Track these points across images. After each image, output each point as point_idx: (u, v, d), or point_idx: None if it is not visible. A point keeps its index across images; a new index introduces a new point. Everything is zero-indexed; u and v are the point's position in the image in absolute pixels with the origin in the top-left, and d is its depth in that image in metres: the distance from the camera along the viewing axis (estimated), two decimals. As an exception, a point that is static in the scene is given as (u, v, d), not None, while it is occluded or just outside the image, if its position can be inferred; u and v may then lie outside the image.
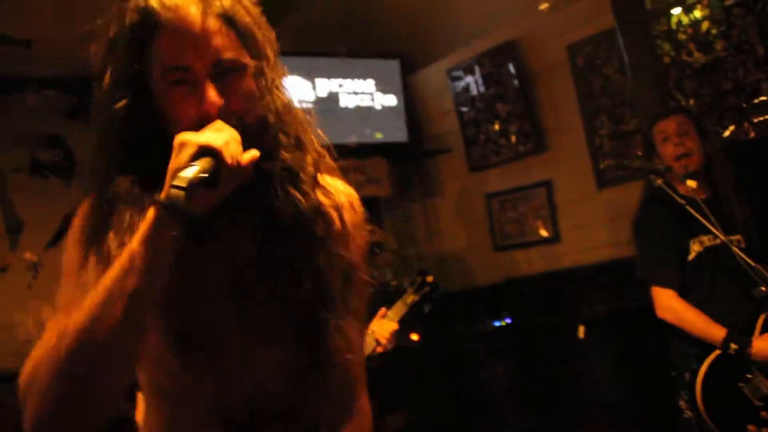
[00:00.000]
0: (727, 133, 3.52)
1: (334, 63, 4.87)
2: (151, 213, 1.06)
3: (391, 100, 5.08)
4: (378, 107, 5.03)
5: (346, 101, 4.89)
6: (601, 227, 4.43)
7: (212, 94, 1.14)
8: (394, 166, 5.19)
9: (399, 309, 3.00)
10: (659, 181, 2.59)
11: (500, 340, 4.56)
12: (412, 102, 5.29)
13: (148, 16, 1.15)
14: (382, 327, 2.82)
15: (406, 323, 4.67)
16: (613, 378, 3.90)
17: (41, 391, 1.03)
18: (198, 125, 1.13)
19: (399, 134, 5.10)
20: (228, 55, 1.17)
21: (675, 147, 2.76)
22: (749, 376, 2.51)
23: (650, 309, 3.04)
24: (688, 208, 2.51)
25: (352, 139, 4.80)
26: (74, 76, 4.34)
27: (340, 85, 4.88)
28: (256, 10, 1.25)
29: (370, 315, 2.98)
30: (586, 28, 4.31)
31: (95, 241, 1.19)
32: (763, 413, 2.50)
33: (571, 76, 4.44)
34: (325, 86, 4.81)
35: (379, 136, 5.02)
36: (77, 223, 1.27)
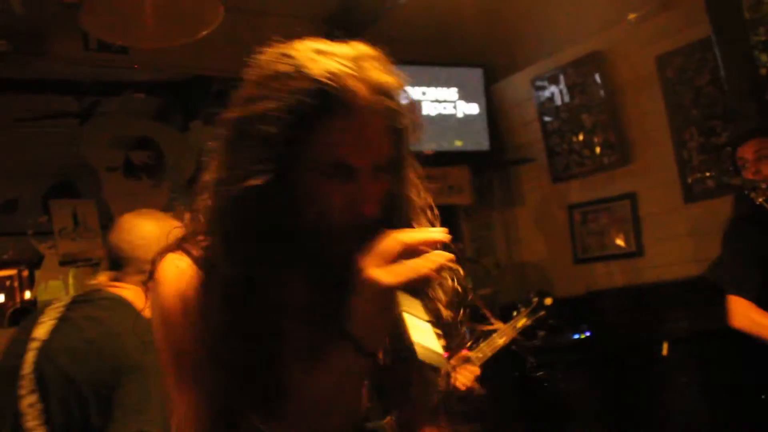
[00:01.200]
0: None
1: (417, 71, 4.90)
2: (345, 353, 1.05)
3: (473, 108, 5.08)
4: (460, 115, 5.04)
5: (429, 109, 4.91)
6: (687, 242, 4.30)
7: (375, 195, 1.10)
8: (476, 174, 5.19)
9: (507, 334, 2.69)
10: (761, 200, 2.51)
11: (579, 354, 4.48)
12: (495, 111, 5.27)
13: (327, 95, 1.06)
14: (464, 373, 2.52)
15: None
16: (697, 399, 3.77)
17: None
18: (348, 220, 1.09)
19: (481, 143, 5.09)
20: (389, 153, 1.13)
21: (753, 175, 2.69)
22: None
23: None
24: None
25: (434, 146, 4.83)
26: (165, 81, 4.54)
27: (423, 93, 4.91)
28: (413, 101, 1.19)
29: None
30: (676, 39, 4.21)
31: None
32: None
33: (659, 88, 4.34)
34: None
35: (459, 144, 5.03)
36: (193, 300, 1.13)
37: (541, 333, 2.62)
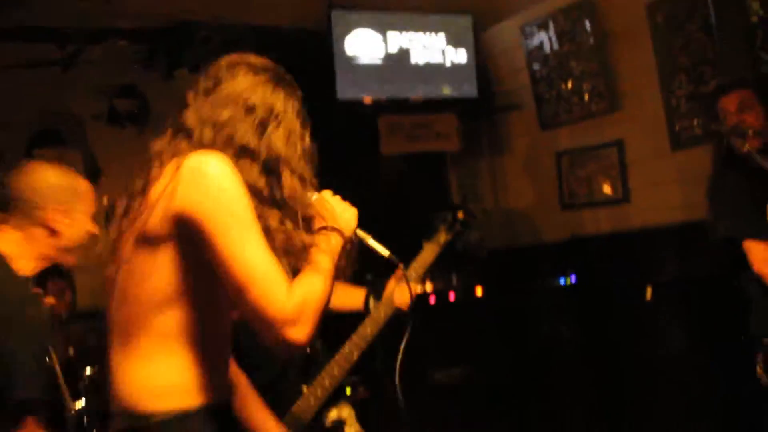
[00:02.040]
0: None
1: (405, 17, 4.85)
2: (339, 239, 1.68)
3: (461, 55, 5.03)
4: (448, 63, 5.00)
5: (417, 56, 4.87)
6: (674, 189, 4.34)
7: None
8: (464, 122, 5.17)
9: (432, 250, 2.77)
10: (747, 147, 2.51)
11: (565, 298, 4.56)
12: (484, 58, 5.23)
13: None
14: (402, 294, 2.58)
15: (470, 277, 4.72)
16: (679, 343, 3.87)
17: (311, 320, 1.48)
18: None
19: (469, 90, 5.06)
20: None
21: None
22: None
23: (722, 275, 3.01)
24: None
25: (422, 94, 4.81)
26: (149, 28, 4.45)
27: (411, 40, 4.86)
28: None
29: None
30: (668, -15, 4.17)
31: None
32: None
33: (649, 35, 4.32)
34: (396, 40, 4.80)
35: (447, 92, 5.00)
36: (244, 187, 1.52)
37: (460, 245, 2.76)
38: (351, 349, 2.55)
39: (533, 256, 5.05)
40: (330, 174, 1.79)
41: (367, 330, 2.56)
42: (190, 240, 1.48)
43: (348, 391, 2.60)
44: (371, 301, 2.70)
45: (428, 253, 2.74)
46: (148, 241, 1.50)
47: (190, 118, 1.61)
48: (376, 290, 2.72)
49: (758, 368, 2.63)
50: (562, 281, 4.61)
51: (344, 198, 1.78)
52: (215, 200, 1.45)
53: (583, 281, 4.57)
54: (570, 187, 5.00)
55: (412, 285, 2.66)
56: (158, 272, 1.50)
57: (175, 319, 1.51)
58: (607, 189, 4.77)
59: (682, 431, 3.81)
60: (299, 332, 1.45)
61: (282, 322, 1.43)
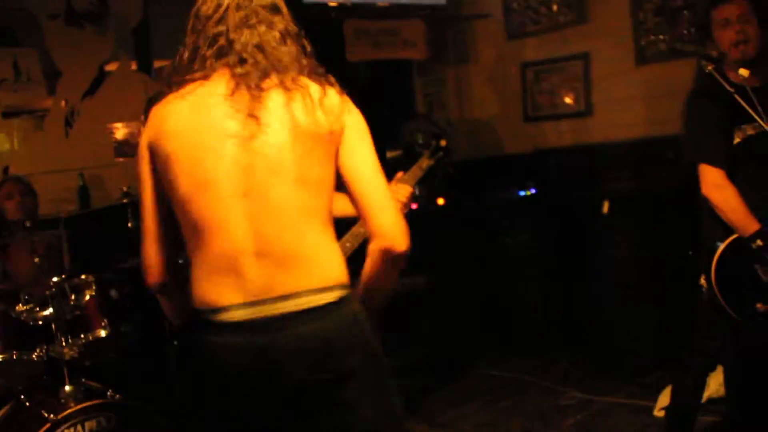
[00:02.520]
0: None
1: None
2: None
3: (430, -40, 4.92)
4: (417, -32, 4.89)
5: (385, -40, 4.75)
6: (637, 104, 4.40)
7: None
8: (431, 29, 5.10)
9: (414, 173, 2.93)
10: (710, 68, 2.52)
11: (525, 209, 4.64)
12: (452, -36, 5.12)
13: None
14: (399, 191, 2.81)
15: (434, 188, 4.77)
16: (633, 254, 4.00)
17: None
18: None
19: (437, -3, 4.97)
20: None
21: (736, 34, 2.69)
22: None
23: (679, 191, 3.09)
24: (736, 96, 2.47)
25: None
26: None
27: (380, -57, 4.72)
28: None
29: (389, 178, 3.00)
30: None
31: None
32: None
33: (620, -55, 4.27)
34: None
35: (415, -2, 4.91)
36: None
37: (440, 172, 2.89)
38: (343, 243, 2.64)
39: (496, 168, 5.10)
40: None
41: (360, 230, 2.65)
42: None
43: None
44: None
45: (410, 176, 2.81)
46: (323, 139, 1.59)
47: None
48: None
49: (701, 279, 2.74)
50: (521, 193, 4.69)
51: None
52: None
53: (542, 193, 4.65)
54: (534, 99, 5.02)
55: (404, 186, 2.75)
56: (330, 164, 1.61)
57: (330, 204, 1.63)
58: (570, 102, 4.81)
59: (629, 325, 4.00)
60: None
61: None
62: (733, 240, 2.62)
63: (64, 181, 4.30)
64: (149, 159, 1.60)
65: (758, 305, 2.60)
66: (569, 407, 3.68)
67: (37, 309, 2.75)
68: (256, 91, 1.55)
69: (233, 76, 1.57)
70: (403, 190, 2.71)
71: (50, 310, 2.74)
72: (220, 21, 1.61)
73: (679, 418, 2.96)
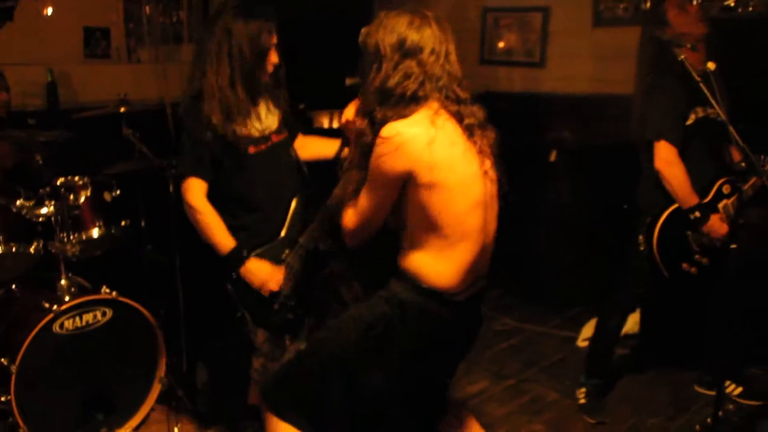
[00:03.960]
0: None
1: None
2: None
3: None
4: None
5: None
6: (588, 62, 4.74)
7: None
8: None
9: None
10: (683, 56, 2.78)
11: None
12: None
13: None
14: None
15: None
16: (571, 201, 4.40)
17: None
18: None
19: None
20: None
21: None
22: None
23: (619, 148, 3.45)
24: (702, 86, 2.73)
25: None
26: None
27: None
28: None
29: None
30: None
31: None
32: (697, 256, 3.04)
33: None
34: None
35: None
36: None
37: None
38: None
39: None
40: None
41: None
42: None
43: None
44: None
45: None
46: None
47: None
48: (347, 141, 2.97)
49: (640, 238, 3.14)
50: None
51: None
52: None
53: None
54: (491, 43, 5.29)
55: None
56: None
57: None
58: (526, 52, 5.10)
59: (559, 263, 4.46)
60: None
61: None
62: (674, 209, 3.03)
63: (32, 75, 4.30)
64: (400, 180, 1.94)
65: (684, 265, 3.06)
66: (502, 333, 4.12)
67: (37, 206, 2.88)
68: (467, 128, 1.99)
69: (450, 112, 1.95)
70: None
71: (51, 207, 2.87)
72: (443, 59, 1.97)
73: (600, 350, 3.41)
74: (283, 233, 2.64)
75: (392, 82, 1.90)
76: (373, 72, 1.94)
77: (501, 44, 5.25)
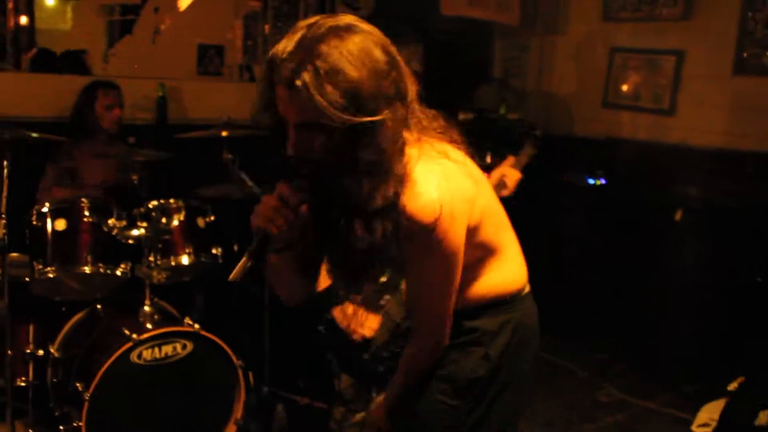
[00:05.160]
0: None
1: None
2: None
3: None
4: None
5: None
6: (724, 113, 4.33)
7: (293, 141, 1.45)
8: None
9: (521, 160, 3.13)
10: None
11: (592, 198, 4.62)
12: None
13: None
14: (512, 174, 3.02)
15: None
16: (697, 265, 4.00)
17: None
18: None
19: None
20: (298, 115, 1.40)
21: None
22: None
23: (754, 210, 3.08)
24: None
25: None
26: None
27: None
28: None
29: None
30: None
31: None
32: None
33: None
34: None
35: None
36: None
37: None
38: None
39: (564, 148, 5.05)
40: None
41: None
42: None
43: None
44: None
45: (518, 162, 3.05)
46: None
47: None
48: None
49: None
50: (590, 180, 4.66)
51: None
52: None
53: (613, 185, 4.62)
54: (617, 86, 4.95)
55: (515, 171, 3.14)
56: None
57: None
58: (654, 97, 4.73)
59: (678, 332, 4.05)
60: None
61: None
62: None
63: (144, 89, 4.29)
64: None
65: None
66: (606, 405, 3.75)
67: (128, 227, 2.79)
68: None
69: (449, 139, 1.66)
70: (514, 174, 2.87)
71: (142, 230, 2.77)
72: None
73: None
74: (383, 278, 2.44)
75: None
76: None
77: (627, 87, 4.90)
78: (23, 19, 5.82)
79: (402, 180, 1.48)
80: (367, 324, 2.41)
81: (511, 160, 3.06)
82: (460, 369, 1.74)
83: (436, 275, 1.61)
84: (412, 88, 1.52)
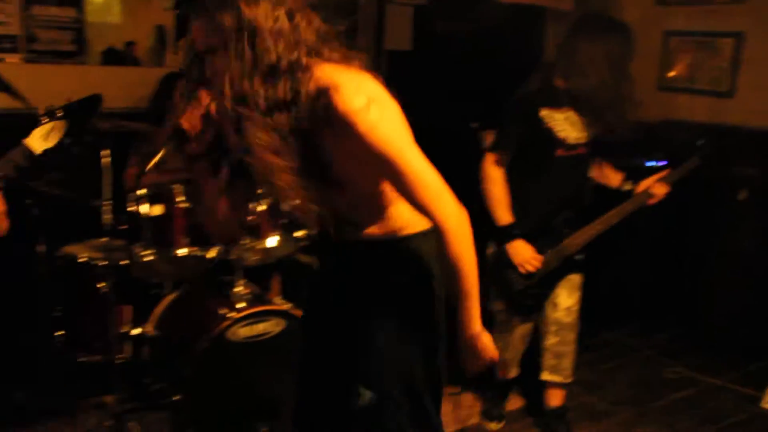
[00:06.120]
0: None
1: None
2: None
3: None
4: None
5: None
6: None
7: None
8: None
9: (680, 172, 3.34)
10: None
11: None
12: None
13: None
14: (660, 187, 3.22)
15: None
16: (762, 243, 4.03)
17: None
18: None
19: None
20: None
21: None
22: None
23: None
24: None
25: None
26: None
27: None
28: None
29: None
30: None
31: None
32: None
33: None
34: None
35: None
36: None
37: None
38: (595, 226, 3.08)
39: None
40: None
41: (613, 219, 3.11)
42: None
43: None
44: (627, 183, 3.26)
45: (675, 174, 3.25)
46: None
47: None
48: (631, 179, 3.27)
49: None
50: (648, 163, 4.68)
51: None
52: None
53: (671, 166, 4.64)
54: (671, 69, 4.97)
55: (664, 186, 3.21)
56: None
57: None
58: (712, 80, 4.75)
59: (742, 310, 4.10)
60: None
61: None
62: None
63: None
64: None
65: None
66: (673, 382, 3.82)
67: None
68: None
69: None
70: (662, 188, 3.20)
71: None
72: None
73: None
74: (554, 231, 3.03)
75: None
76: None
77: (683, 70, 4.92)
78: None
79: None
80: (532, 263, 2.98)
81: (666, 172, 3.25)
82: None
83: (414, 163, 1.65)
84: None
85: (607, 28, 2.98)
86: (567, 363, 3.12)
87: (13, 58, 3.61)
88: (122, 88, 3.85)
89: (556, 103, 2.94)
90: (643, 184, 3.19)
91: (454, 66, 4.91)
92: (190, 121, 1.81)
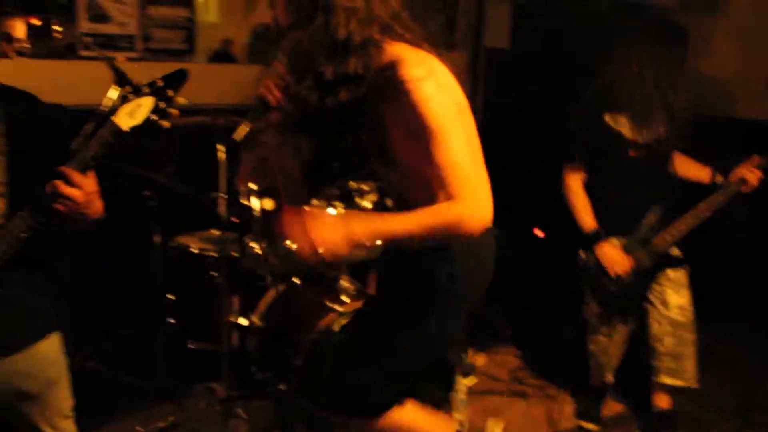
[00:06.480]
0: None
1: None
2: None
3: None
4: None
5: None
6: None
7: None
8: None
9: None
10: None
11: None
12: None
13: None
14: (752, 175, 3.12)
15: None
16: None
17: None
18: None
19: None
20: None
21: None
22: None
23: None
24: None
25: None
26: None
27: None
28: None
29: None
30: None
31: None
32: None
33: None
34: None
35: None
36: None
37: None
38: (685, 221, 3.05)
39: (725, 129, 4.91)
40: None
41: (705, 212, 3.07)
42: None
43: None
44: (717, 176, 3.20)
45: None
46: None
47: None
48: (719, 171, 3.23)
49: None
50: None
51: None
52: None
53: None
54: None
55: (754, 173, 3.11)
56: None
57: None
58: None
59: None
60: None
61: None
62: None
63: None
64: None
65: None
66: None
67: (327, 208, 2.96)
68: None
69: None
70: (756, 174, 3.10)
71: (340, 209, 2.93)
72: None
73: None
74: (642, 231, 3.04)
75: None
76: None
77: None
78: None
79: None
80: (621, 264, 2.99)
81: (755, 159, 3.11)
82: None
83: (452, 149, 1.69)
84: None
85: (659, 31, 2.92)
86: (689, 365, 3.05)
87: (127, 56, 3.77)
88: (233, 85, 3.97)
89: (618, 105, 2.90)
90: (736, 173, 3.09)
91: (555, 64, 4.85)
92: (269, 89, 1.97)
